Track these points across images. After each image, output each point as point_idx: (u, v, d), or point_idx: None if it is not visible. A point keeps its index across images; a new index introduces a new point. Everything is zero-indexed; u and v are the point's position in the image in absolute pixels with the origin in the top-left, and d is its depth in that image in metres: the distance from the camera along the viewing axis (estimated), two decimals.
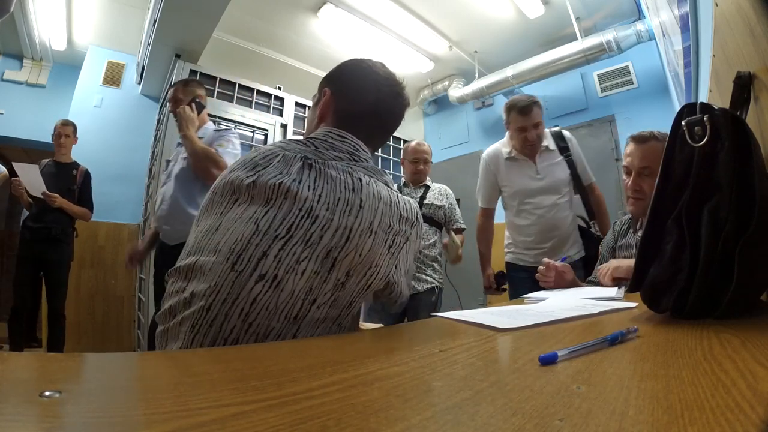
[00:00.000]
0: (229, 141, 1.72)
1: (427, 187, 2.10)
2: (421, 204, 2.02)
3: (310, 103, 3.62)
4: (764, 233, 0.48)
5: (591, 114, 3.60)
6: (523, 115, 1.73)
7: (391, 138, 3.57)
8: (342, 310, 0.60)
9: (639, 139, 1.14)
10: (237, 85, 3.11)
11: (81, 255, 2.77)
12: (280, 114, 3.32)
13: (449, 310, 0.71)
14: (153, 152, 3.18)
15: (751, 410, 0.22)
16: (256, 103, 3.21)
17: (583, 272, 1.66)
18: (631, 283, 0.59)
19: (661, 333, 0.47)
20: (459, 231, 2.05)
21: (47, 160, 2.61)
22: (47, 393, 0.24)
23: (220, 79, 3.03)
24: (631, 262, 0.96)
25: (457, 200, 2.17)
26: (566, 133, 1.87)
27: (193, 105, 1.70)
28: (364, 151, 0.71)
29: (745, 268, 0.47)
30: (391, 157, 3.98)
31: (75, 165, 2.64)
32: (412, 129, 4.66)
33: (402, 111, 0.76)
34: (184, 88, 1.78)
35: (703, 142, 0.51)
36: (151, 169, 3.18)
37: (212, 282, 0.55)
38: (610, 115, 3.50)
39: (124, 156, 3.39)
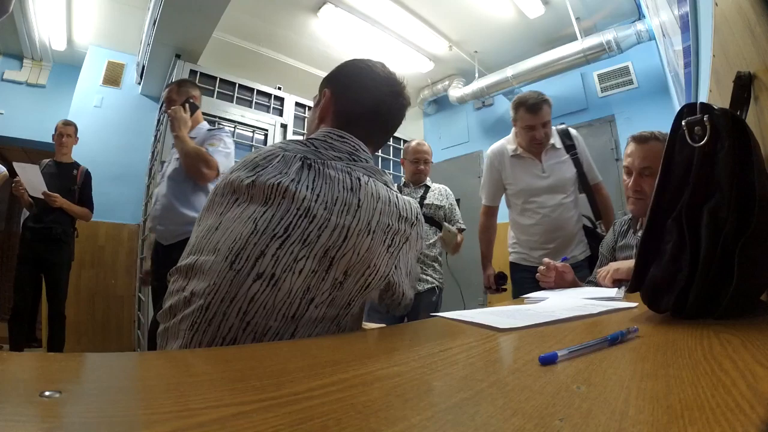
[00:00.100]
0: (220, 140, 1.73)
1: (427, 187, 2.10)
2: (421, 204, 2.02)
3: (310, 103, 3.61)
4: (764, 233, 0.48)
5: (591, 114, 3.60)
6: (532, 114, 1.68)
7: (391, 138, 3.57)
8: (340, 309, 0.60)
9: (639, 140, 1.14)
10: (237, 85, 3.11)
11: (81, 255, 2.77)
12: (280, 114, 3.32)
13: (452, 308, 0.71)
14: (153, 152, 3.18)
15: (751, 410, 0.22)
16: (256, 103, 3.21)
17: (589, 272, 1.64)
18: (631, 283, 0.59)
19: (661, 333, 0.47)
20: (459, 231, 2.05)
21: (48, 160, 2.61)
22: (47, 393, 0.24)
23: (220, 79, 3.03)
24: (631, 263, 0.96)
25: (457, 200, 2.17)
26: (573, 131, 1.83)
27: (186, 105, 1.71)
28: (364, 151, 0.71)
29: (745, 267, 0.47)
30: (391, 157, 3.98)
31: (75, 165, 2.64)
32: (412, 129, 4.67)
33: (402, 111, 0.76)
34: (178, 88, 1.80)
35: (703, 142, 0.51)
36: (151, 169, 3.18)
37: (211, 281, 0.56)
38: (610, 115, 3.50)
39: (124, 156, 3.39)
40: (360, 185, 0.63)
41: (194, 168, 1.63)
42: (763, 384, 0.26)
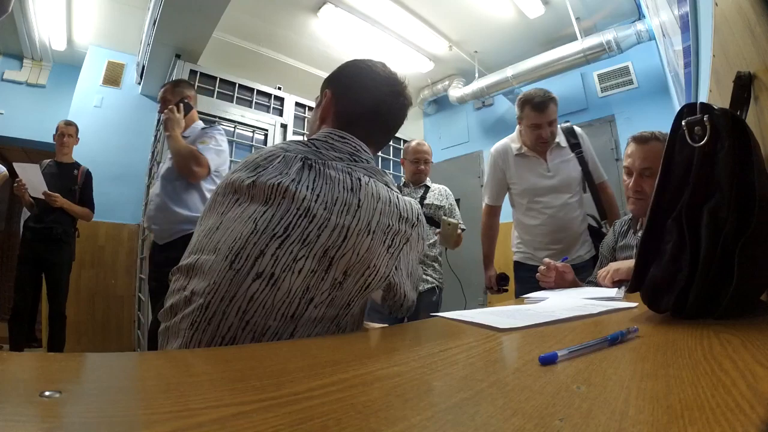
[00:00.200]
0: (212, 138, 1.74)
1: (427, 188, 2.10)
2: (421, 204, 2.02)
3: (310, 103, 3.63)
4: (764, 233, 0.48)
5: (591, 114, 3.60)
6: (539, 112, 1.64)
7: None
8: (340, 310, 0.60)
9: (640, 140, 1.14)
10: (237, 85, 3.11)
11: (81, 255, 2.77)
12: (280, 114, 3.32)
13: (453, 306, 0.70)
14: (153, 152, 3.18)
15: (751, 410, 0.22)
16: (256, 103, 3.21)
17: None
18: (631, 283, 0.59)
19: (661, 333, 0.47)
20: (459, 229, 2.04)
21: (48, 160, 2.61)
22: (47, 393, 0.24)
23: (220, 79, 3.03)
24: (631, 263, 0.96)
25: (457, 200, 2.17)
26: (578, 130, 1.80)
27: (181, 105, 1.73)
28: (365, 151, 0.71)
29: (745, 267, 0.47)
30: (391, 157, 3.98)
31: (76, 165, 2.64)
32: (412, 129, 4.67)
33: (403, 111, 0.76)
34: (172, 89, 1.81)
35: (703, 142, 0.51)
36: (151, 169, 3.18)
37: (211, 280, 0.56)
38: (610, 115, 3.50)
39: (124, 156, 3.39)
40: (360, 186, 0.63)
41: (185, 166, 1.64)
42: (763, 384, 0.26)
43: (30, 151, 3.69)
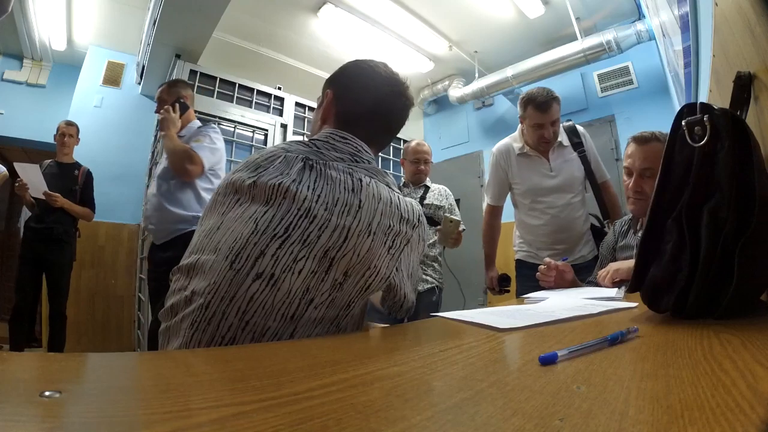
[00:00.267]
0: (206, 136, 1.74)
1: (427, 188, 2.10)
2: (421, 204, 2.01)
3: (310, 103, 3.64)
4: (764, 233, 0.48)
5: (591, 114, 3.60)
6: (541, 112, 1.61)
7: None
8: (340, 311, 0.60)
9: (640, 140, 1.14)
10: (237, 85, 3.11)
11: (81, 255, 2.77)
12: (280, 114, 3.32)
13: (452, 306, 0.70)
14: (153, 152, 3.18)
15: (751, 410, 0.22)
16: (256, 103, 3.21)
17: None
18: (631, 283, 0.59)
19: (661, 333, 0.47)
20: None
21: (49, 160, 2.61)
22: (47, 393, 0.24)
23: (220, 79, 3.03)
24: (631, 263, 0.96)
25: (457, 200, 2.17)
26: (580, 128, 1.78)
27: (177, 105, 1.73)
28: (367, 152, 0.71)
29: (745, 268, 0.47)
30: (391, 157, 3.99)
31: (77, 165, 2.65)
32: (412, 129, 4.67)
33: (404, 111, 0.76)
34: (168, 89, 1.82)
35: (703, 142, 0.51)
36: (151, 169, 3.18)
37: (211, 280, 0.56)
38: (610, 115, 3.50)
39: (124, 156, 3.39)
40: (362, 186, 0.63)
41: (179, 165, 1.64)
42: (763, 384, 0.26)
43: (30, 151, 3.69)
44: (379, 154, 3.76)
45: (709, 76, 1.07)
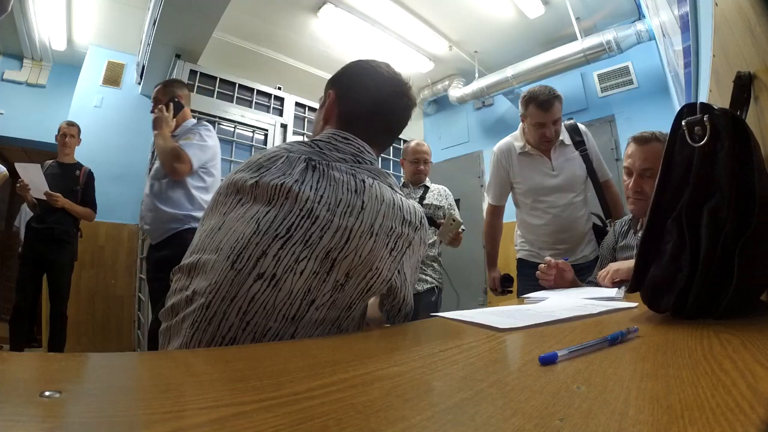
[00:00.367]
0: (195, 133, 1.74)
1: (427, 188, 2.10)
2: (420, 204, 2.01)
3: (310, 103, 3.63)
4: (764, 233, 0.48)
5: (591, 114, 3.60)
6: (543, 111, 1.59)
7: None
8: (341, 312, 0.60)
9: (640, 140, 1.14)
10: (237, 85, 3.11)
11: (81, 255, 2.77)
12: (280, 114, 3.32)
13: (445, 307, 0.70)
14: (153, 152, 3.17)
15: (751, 410, 0.22)
16: (256, 103, 3.21)
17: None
18: (631, 283, 0.59)
19: (661, 333, 0.47)
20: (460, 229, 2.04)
21: (51, 161, 2.62)
22: (47, 393, 0.24)
23: (220, 79, 3.03)
24: (631, 263, 0.96)
25: (457, 200, 2.17)
26: (582, 127, 1.77)
27: (171, 105, 1.74)
28: (369, 152, 0.71)
29: (745, 268, 0.47)
30: (390, 157, 3.99)
31: (78, 165, 2.65)
32: (412, 129, 4.67)
33: (406, 111, 0.76)
34: (163, 89, 1.82)
35: (703, 142, 0.51)
36: (150, 169, 3.18)
37: (212, 279, 0.56)
38: (610, 115, 3.50)
39: (124, 156, 3.39)
40: (365, 187, 0.63)
41: (167, 164, 1.65)
42: (763, 384, 0.26)
43: (30, 151, 3.69)
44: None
45: (709, 76, 1.07)
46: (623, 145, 2.55)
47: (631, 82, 3.42)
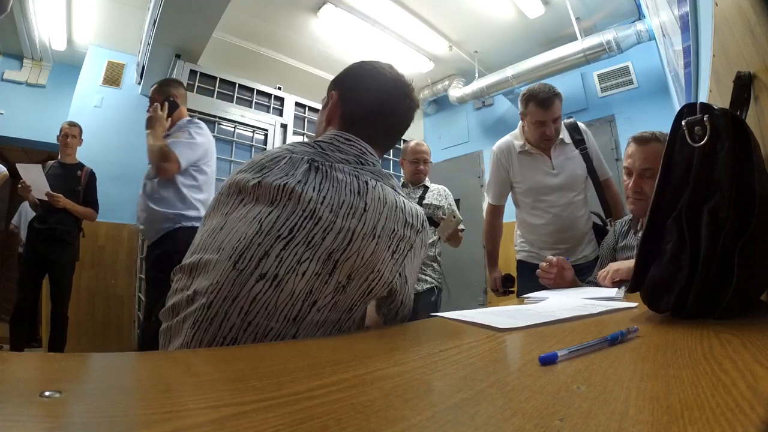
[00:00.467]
0: (184, 131, 1.74)
1: (426, 188, 2.10)
2: (420, 204, 2.01)
3: (310, 103, 3.63)
4: (764, 233, 0.48)
5: (591, 114, 3.60)
6: (544, 109, 1.57)
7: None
8: (342, 314, 0.60)
9: (640, 140, 1.14)
10: (237, 85, 3.11)
11: (81, 255, 2.78)
12: (280, 114, 3.32)
13: (444, 308, 0.70)
14: None
15: (751, 410, 0.22)
16: (256, 103, 3.21)
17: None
18: (631, 283, 0.59)
19: (661, 333, 0.47)
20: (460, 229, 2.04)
21: (53, 161, 2.62)
22: (47, 393, 0.24)
23: (220, 79, 3.03)
24: (631, 263, 0.95)
25: (457, 200, 2.17)
26: (581, 125, 1.75)
27: (166, 104, 1.74)
28: (372, 154, 0.71)
29: (745, 268, 0.47)
30: (390, 157, 3.99)
31: (80, 166, 2.65)
32: (412, 129, 4.59)
33: (409, 112, 0.76)
34: (159, 88, 1.83)
35: (703, 142, 0.51)
36: None
37: (214, 279, 0.56)
38: (610, 115, 3.51)
39: (124, 156, 3.39)
40: (368, 189, 0.63)
41: (155, 163, 1.66)
42: (763, 384, 0.26)
43: (30, 151, 3.70)
44: None
45: (709, 76, 1.07)
46: (623, 145, 2.55)
47: (631, 82, 3.42)
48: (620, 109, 3.45)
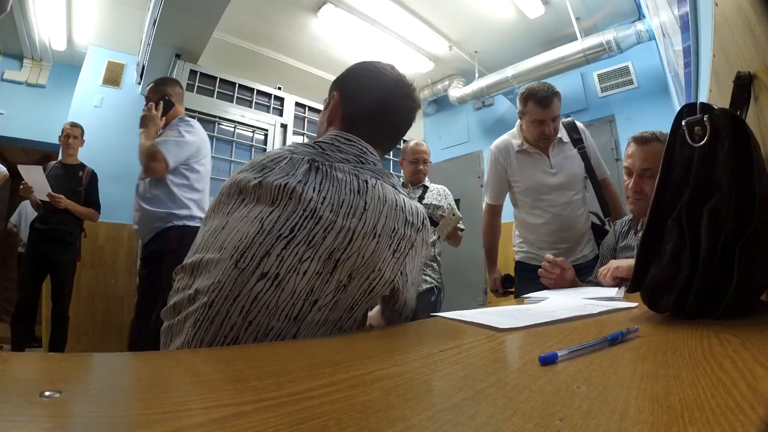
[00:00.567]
0: (174, 130, 1.74)
1: (426, 188, 2.09)
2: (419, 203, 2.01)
3: (310, 103, 3.63)
4: (764, 233, 0.48)
5: (591, 114, 3.60)
6: (543, 107, 1.57)
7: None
8: (343, 313, 0.60)
9: (640, 140, 1.14)
10: (237, 85, 3.12)
11: (81, 255, 2.78)
12: (280, 114, 3.32)
13: (447, 310, 0.70)
14: None
15: (751, 410, 0.22)
16: (256, 103, 3.21)
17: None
18: (631, 283, 0.59)
19: (661, 333, 0.47)
20: (460, 229, 2.03)
21: (54, 162, 2.62)
22: (47, 393, 0.24)
23: (220, 79, 3.03)
24: (632, 262, 0.95)
25: (457, 200, 2.16)
26: (579, 125, 1.75)
27: (161, 103, 1.74)
28: (372, 153, 0.71)
29: (745, 268, 0.47)
30: (390, 157, 3.99)
31: (81, 166, 2.66)
32: (412, 129, 4.62)
33: (410, 112, 0.76)
34: (155, 87, 1.83)
35: (703, 142, 0.51)
36: None
37: (216, 278, 0.56)
38: (610, 115, 3.51)
39: (124, 156, 3.37)
40: (367, 188, 0.63)
41: (144, 163, 1.67)
42: (763, 384, 0.26)
43: (30, 151, 3.70)
44: None
45: (709, 76, 1.07)
46: (623, 145, 2.56)
47: (631, 82, 3.42)
48: (620, 109, 3.45)
